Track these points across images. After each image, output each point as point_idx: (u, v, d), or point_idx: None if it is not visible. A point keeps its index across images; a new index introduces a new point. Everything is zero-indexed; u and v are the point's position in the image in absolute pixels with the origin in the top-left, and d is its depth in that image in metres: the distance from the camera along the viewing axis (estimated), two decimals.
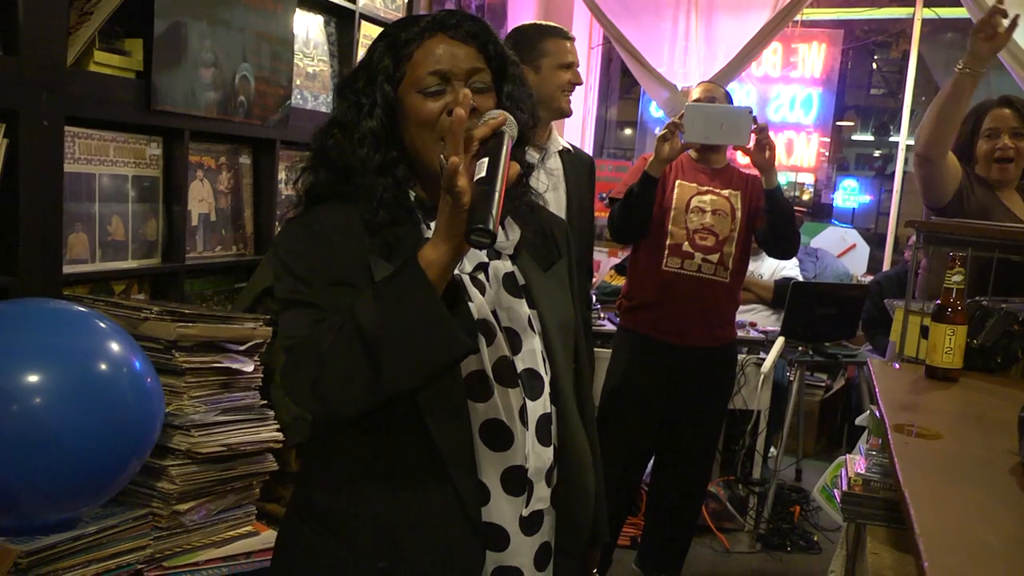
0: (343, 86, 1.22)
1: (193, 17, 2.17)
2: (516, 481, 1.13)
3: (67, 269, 1.80)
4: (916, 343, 2.05)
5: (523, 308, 1.17)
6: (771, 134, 2.63)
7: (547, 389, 1.18)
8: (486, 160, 1.00)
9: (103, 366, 1.40)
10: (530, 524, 1.15)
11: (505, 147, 1.02)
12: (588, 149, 4.94)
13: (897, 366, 1.95)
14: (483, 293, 1.15)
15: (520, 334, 1.16)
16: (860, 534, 1.89)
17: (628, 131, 7.20)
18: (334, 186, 1.17)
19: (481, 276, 1.16)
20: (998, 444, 1.29)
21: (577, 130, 4.84)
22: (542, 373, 1.17)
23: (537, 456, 1.14)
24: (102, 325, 1.47)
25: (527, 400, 1.14)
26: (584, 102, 4.88)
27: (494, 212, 0.96)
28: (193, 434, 1.59)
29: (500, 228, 1.15)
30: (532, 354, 1.16)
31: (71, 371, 1.37)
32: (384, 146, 1.15)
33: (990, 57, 2.27)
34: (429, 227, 1.12)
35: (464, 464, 1.10)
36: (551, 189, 2.38)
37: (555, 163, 2.47)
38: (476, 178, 0.99)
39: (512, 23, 4.28)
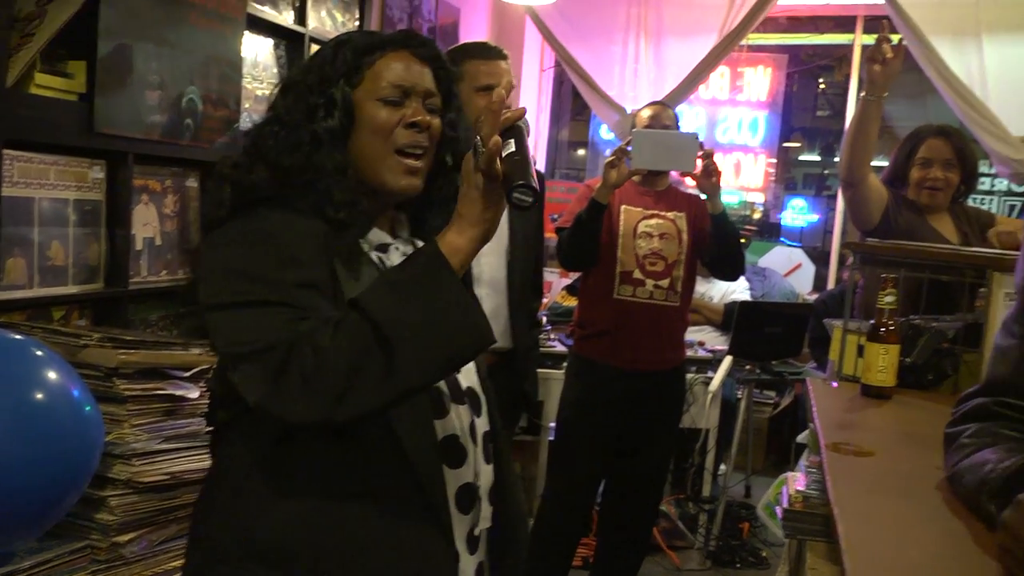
0: (291, 84, 1.18)
1: (139, 39, 2.16)
2: (468, 499, 1.14)
3: (3, 295, 1.77)
4: (854, 362, 2.11)
5: None
6: (719, 157, 2.69)
7: (485, 406, 1.19)
8: (512, 141, 1.04)
9: (39, 395, 1.38)
10: (474, 543, 1.16)
11: (525, 133, 1.07)
12: (541, 170, 4.99)
13: (835, 384, 1.99)
14: None
15: None
16: (801, 550, 1.94)
17: (581, 152, 7.29)
18: (272, 188, 1.11)
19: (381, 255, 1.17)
20: (926, 460, 1.32)
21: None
22: (479, 390, 1.18)
23: (485, 474, 1.15)
24: (38, 353, 1.44)
25: (474, 417, 1.15)
26: (536, 124, 4.92)
27: (531, 172, 1.02)
28: (134, 463, 1.57)
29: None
30: (469, 371, 1.18)
31: (4, 400, 1.34)
32: (342, 148, 1.14)
33: (887, 82, 2.37)
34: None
35: (437, 482, 1.10)
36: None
37: None
38: (505, 154, 1.03)
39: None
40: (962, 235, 2.58)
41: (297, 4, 3.06)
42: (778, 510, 2.03)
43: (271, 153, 1.12)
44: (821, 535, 1.57)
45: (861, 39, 4.67)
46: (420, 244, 1.20)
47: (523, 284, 2.51)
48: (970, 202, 3.08)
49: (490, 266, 2.42)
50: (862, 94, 2.45)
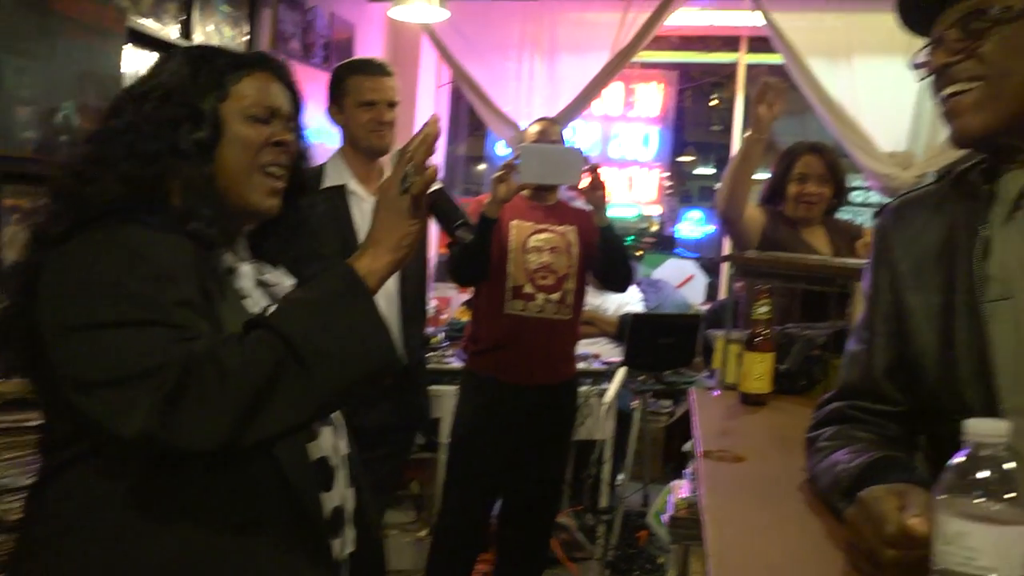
0: (146, 93, 1.12)
1: (8, 52, 2.08)
2: (337, 522, 1.13)
3: None
4: (735, 370, 2.19)
5: None
6: (613, 171, 2.76)
7: (344, 427, 1.19)
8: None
9: None
10: (337, 569, 1.15)
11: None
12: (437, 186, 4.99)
13: (716, 393, 2.07)
14: None
15: None
16: (687, 555, 2.00)
17: (483, 166, 7.33)
18: (121, 200, 1.05)
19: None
20: (794, 463, 1.38)
21: None
22: (337, 411, 1.18)
23: (349, 497, 1.15)
24: None
25: (337, 439, 1.14)
26: None
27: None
28: (3, 499, 1.50)
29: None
30: None
31: None
32: (210, 162, 1.11)
33: (770, 123, 2.55)
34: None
35: (315, 507, 1.08)
36: None
37: None
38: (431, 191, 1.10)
39: None
40: (834, 247, 2.71)
41: (182, 18, 3.00)
42: (664, 518, 2.09)
43: (123, 163, 1.06)
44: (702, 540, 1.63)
45: (745, 58, 4.85)
46: (269, 268, 1.19)
47: (416, 297, 2.51)
48: (846, 215, 3.26)
49: None
50: (747, 133, 2.58)
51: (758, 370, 1.87)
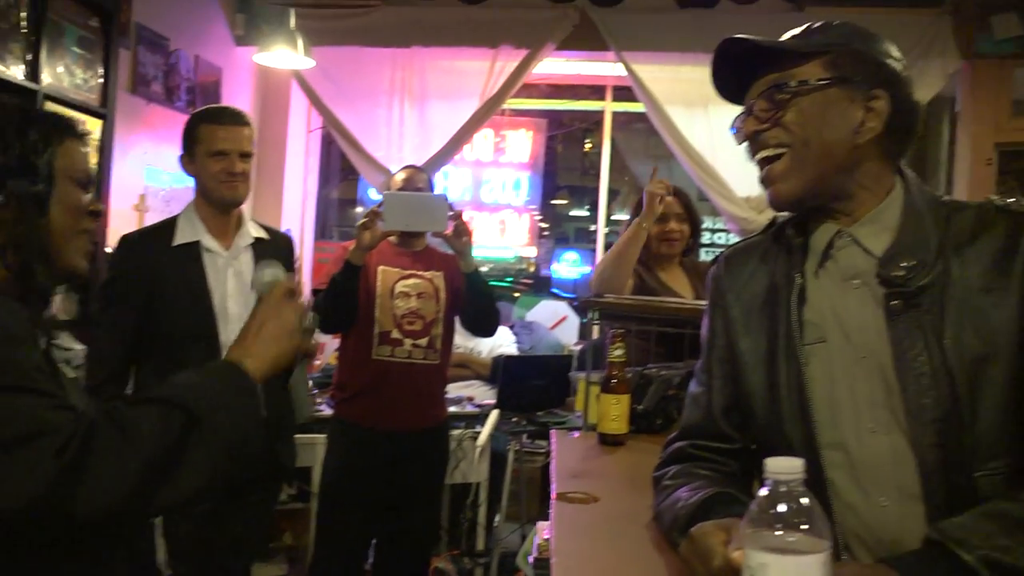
0: None
1: None
2: None
3: None
4: (596, 411, 2.24)
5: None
6: (485, 216, 2.80)
7: None
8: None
9: None
10: None
11: None
12: (309, 232, 4.94)
13: (575, 434, 2.11)
14: None
15: None
16: None
17: (359, 208, 7.28)
18: None
19: None
20: (645, 502, 1.42)
21: (297, 211, 4.82)
22: None
23: None
24: None
25: None
26: (304, 184, 4.88)
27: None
28: None
29: None
30: None
31: None
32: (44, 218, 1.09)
33: (659, 213, 2.73)
34: None
35: None
36: (239, 294, 2.34)
37: (246, 261, 2.41)
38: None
39: (227, 103, 4.22)
40: (693, 288, 2.84)
41: (29, 58, 2.87)
42: (531, 559, 2.11)
43: None
44: None
45: (611, 106, 5.04)
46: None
47: None
48: (711, 255, 3.43)
49: (240, 325, 2.35)
50: (638, 221, 2.72)
51: (615, 411, 1.92)
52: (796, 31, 1.22)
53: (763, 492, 0.77)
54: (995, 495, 1.05)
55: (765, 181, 1.20)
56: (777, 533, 0.74)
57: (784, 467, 0.75)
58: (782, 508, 0.74)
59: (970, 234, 1.15)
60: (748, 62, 1.20)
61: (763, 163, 1.20)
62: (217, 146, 2.32)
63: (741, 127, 1.21)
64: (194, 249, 2.34)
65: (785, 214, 1.27)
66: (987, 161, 4.10)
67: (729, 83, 1.24)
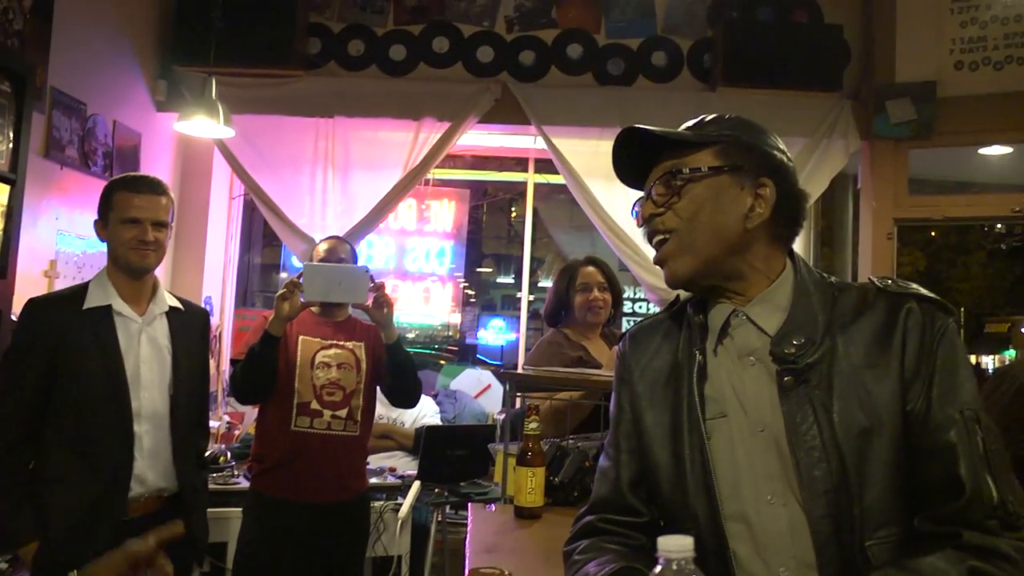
0: None
1: None
2: None
3: None
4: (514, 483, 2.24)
5: None
6: (409, 285, 2.80)
7: None
8: None
9: None
10: None
11: None
12: (230, 298, 4.86)
13: (492, 508, 2.10)
14: None
15: None
16: None
17: (284, 274, 7.19)
18: None
19: None
20: (557, 575, 1.43)
21: (218, 278, 4.75)
22: None
23: None
24: None
25: None
26: (226, 250, 4.82)
27: None
28: None
29: None
30: None
31: None
32: None
33: None
34: None
35: None
36: (152, 360, 2.30)
37: (160, 328, 2.37)
38: None
39: (146, 171, 4.16)
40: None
41: None
42: None
43: None
44: None
45: (533, 178, 5.15)
46: None
47: (188, 421, 2.40)
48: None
49: (152, 401, 2.30)
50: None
51: (531, 484, 1.93)
52: (691, 122, 1.29)
53: (656, 570, 0.79)
54: (885, 563, 1.09)
55: (659, 261, 1.27)
56: None
57: (675, 545, 0.78)
58: None
59: (853, 313, 1.22)
60: (649, 148, 1.27)
61: (657, 245, 1.26)
62: (131, 213, 2.31)
63: (640, 211, 1.28)
64: (106, 313, 2.29)
65: (686, 293, 1.33)
66: (887, 235, 4.32)
67: (631, 169, 1.31)
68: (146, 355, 2.32)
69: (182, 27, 4.30)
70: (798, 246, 4.55)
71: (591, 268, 3.06)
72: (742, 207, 1.22)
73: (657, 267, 3.84)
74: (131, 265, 2.33)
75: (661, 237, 1.25)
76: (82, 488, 2.18)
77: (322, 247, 2.99)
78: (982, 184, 4.93)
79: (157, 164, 4.35)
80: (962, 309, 11.14)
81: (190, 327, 2.46)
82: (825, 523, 1.13)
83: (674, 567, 0.77)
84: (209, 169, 4.62)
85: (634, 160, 1.29)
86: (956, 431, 1.11)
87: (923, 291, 1.22)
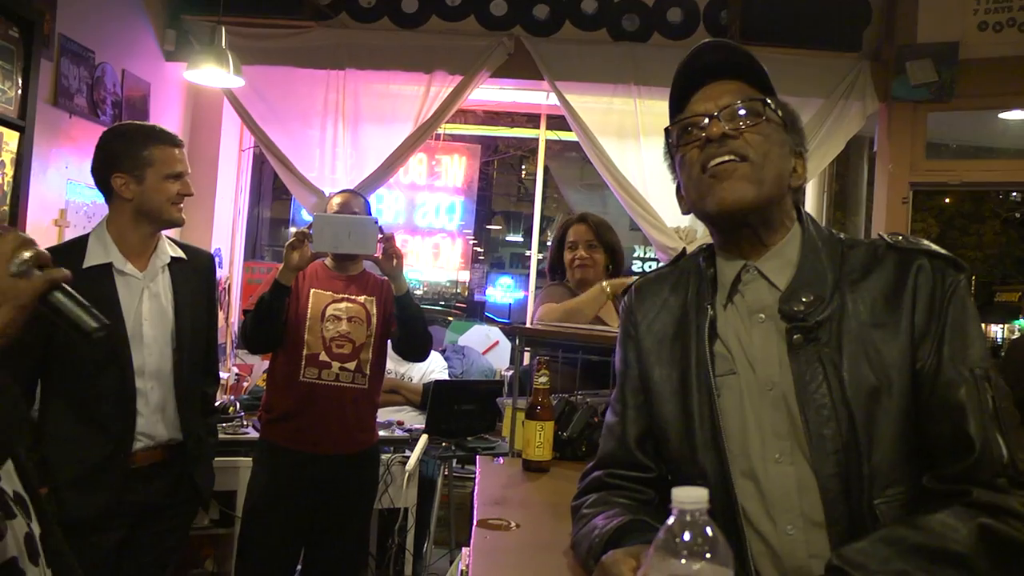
0: None
1: None
2: None
3: None
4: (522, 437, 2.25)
5: None
6: (418, 240, 2.79)
7: (32, 505, 1.10)
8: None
9: None
10: None
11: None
12: (239, 251, 4.85)
13: (500, 461, 2.11)
14: None
15: None
16: None
17: (292, 228, 7.19)
18: None
19: None
20: (565, 529, 1.44)
21: (227, 231, 4.74)
22: (23, 491, 1.10)
23: None
24: None
25: (28, 523, 1.06)
26: (235, 203, 4.81)
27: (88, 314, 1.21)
28: None
29: None
30: (9, 472, 1.09)
31: None
32: None
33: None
34: None
35: None
36: (154, 317, 2.28)
37: (162, 283, 2.35)
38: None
39: (155, 121, 4.13)
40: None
41: None
42: None
43: None
44: None
45: (545, 134, 5.10)
46: None
47: (192, 374, 2.39)
48: None
49: (154, 358, 2.29)
50: (605, 285, 2.71)
51: (539, 438, 1.93)
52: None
53: (669, 521, 0.78)
54: (894, 521, 1.09)
55: (719, 177, 1.18)
56: (682, 562, 0.75)
57: (689, 497, 0.77)
58: (687, 537, 0.76)
59: (863, 269, 1.20)
60: (710, 70, 1.23)
61: (720, 165, 1.18)
62: (176, 168, 2.29)
63: (704, 126, 1.20)
64: (106, 272, 2.25)
65: (694, 246, 1.31)
66: (903, 200, 4.28)
67: (685, 82, 1.25)
68: (147, 312, 2.29)
69: None
70: (811, 208, 4.52)
71: (580, 226, 3.06)
72: (789, 165, 1.23)
73: (668, 226, 3.80)
74: (173, 220, 2.33)
75: (731, 159, 1.18)
76: (89, 446, 2.18)
77: (335, 200, 2.97)
78: (1001, 149, 4.86)
79: (166, 114, 4.31)
80: (973, 277, 11.11)
81: (194, 275, 2.44)
82: (834, 482, 1.12)
83: (688, 518, 0.76)
84: (219, 121, 4.59)
85: (691, 77, 1.24)
86: (966, 389, 1.10)
87: (934, 247, 1.20)
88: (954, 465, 1.09)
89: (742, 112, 1.19)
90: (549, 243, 3.31)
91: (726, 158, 1.17)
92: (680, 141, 1.24)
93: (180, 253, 2.43)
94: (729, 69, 1.22)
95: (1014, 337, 7.69)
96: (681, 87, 1.25)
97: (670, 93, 1.27)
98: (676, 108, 1.26)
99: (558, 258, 3.07)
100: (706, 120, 1.20)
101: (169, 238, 2.45)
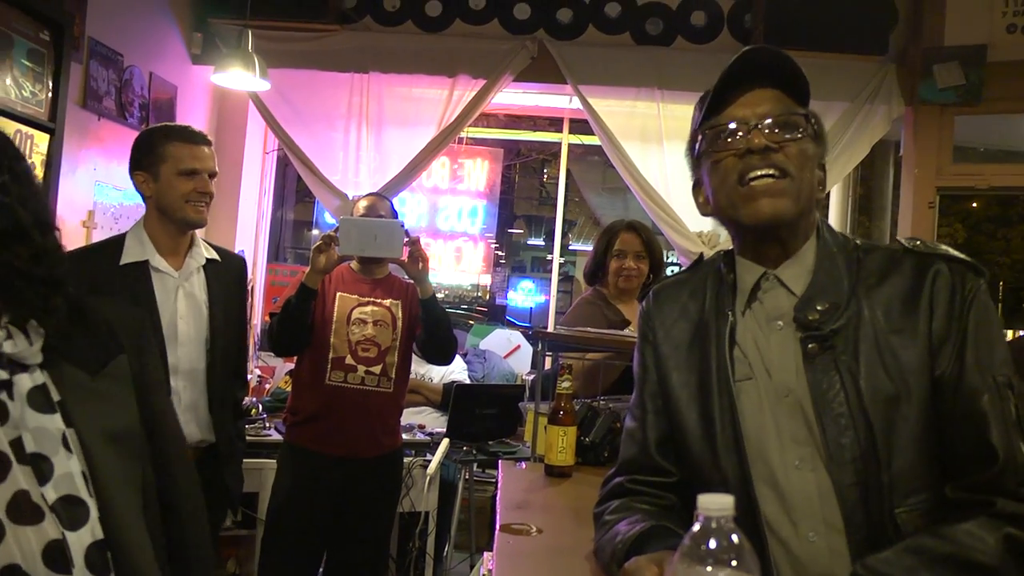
0: None
1: None
2: None
3: None
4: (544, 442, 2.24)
5: (54, 424, 1.07)
6: (441, 244, 2.79)
7: (94, 514, 1.08)
8: None
9: None
10: None
11: None
12: (262, 254, 4.89)
13: (522, 465, 2.11)
14: (4, 420, 1.04)
15: (51, 457, 1.06)
16: None
17: (315, 231, 7.23)
18: None
19: (3, 396, 1.05)
20: (588, 535, 1.43)
21: (251, 233, 4.78)
22: (85, 497, 1.08)
23: None
24: None
25: (66, 532, 1.04)
26: (259, 205, 4.85)
27: None
28: None
29: (11, 339, 1.07)
30: (68, 479, 1.07)
31: None
32: None
33: None
34: None
35: None
36: (189, 316, 2.30)
37: (197, 282, 2.37)
38: None
39: (182, 122, 4.17)
40: None
41: None
42: None
43: None
44: None
45: (568, 138, 5.10)
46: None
47: (224, 374, 2.42)
48: None
49: (188, 357, 2.31)
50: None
51: (562, 443, 1.93)
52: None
53: (695, 528, 0.78)
54: (916, 529, 1.08)
55: (760, 192, 1.16)
56: (708, 568, 0.75)
57: (715, 504, 0.77)
58: (712, 544, 0.76)
59: (879, 275, 1.19)
60: (747, 76, 1.21)
61: (761, 178, 1.17)
62: (191, 164, 2.29)
63: (744, 136, 1.18)
64: (143, 269, 2.28)
65: (714, 251, 1.30)
66: (929, 204, 4.23)
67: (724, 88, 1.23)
68: (183, 311, 2.32)
69: None
70: (835, 213, 4.46)
71: (630, 235, 3.01)
72: (817, 177, 1.22)
73: (691, 231, 3.79)
74: (188, 219, 2.31)
75: (772, 172, 1.16)
76: None
77: (362, 204, 2.98)
78: None
79: (193, 117, 4.36)
80: (1001, 283, 10.94)
81: (227, 278, 2.46)
82: (853, 490, 1.11)
83: (713, 525, 0.76)
84: (244, 124, 4.63)
85: (732, 81, 1.21)
86: (989, 397, 1.08)
87: (952, 251, 1.18)
88: (977, 474, 1.07)
89: (786, 126, 1.18)
90: (571, 247, 3.29)
91: (768, 171, 1.16)
92: (715, 146, 1.21)
93: (215, 255, 2.45)
94: (769, 75, 1.20)
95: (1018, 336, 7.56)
96: (719, 88, 1.23)
97: (710, 92, 1.24)
98: (711, 109, 1.23)
99: (601, 264, 3.02)
100: (746, 129, 1.18)
101: (205, 241, 2.48)
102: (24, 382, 1.07)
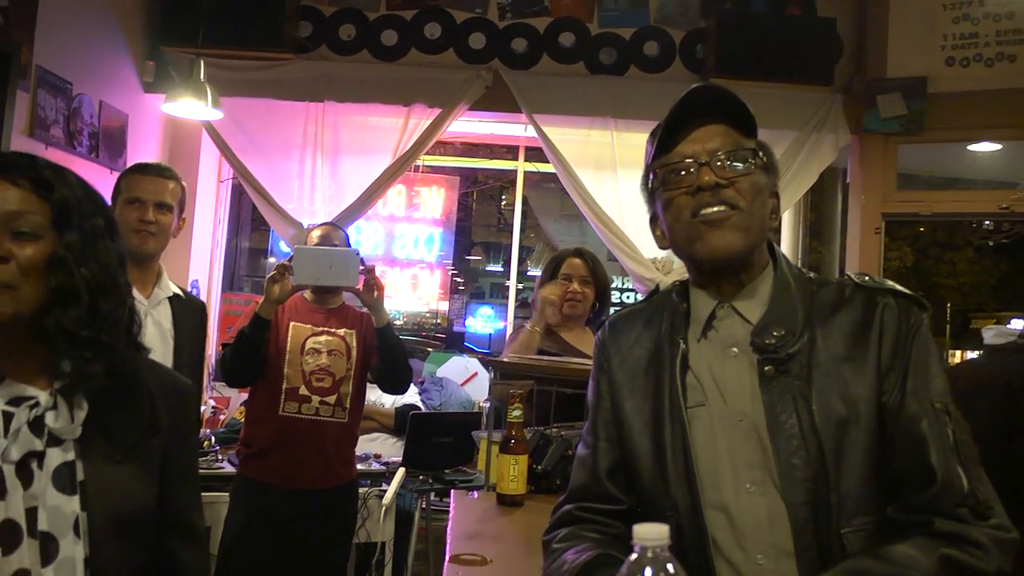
0: None
1: None
2: None
3: None
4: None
5: (71, 507, 1.06)
6: (397, 272, 2.79)
7: (79, 537, 1.07)
8: None
9: None
10: None
11: None
12: (217, 283, 4.83)
13: (475, 495, 2.10)
14: (27, 487, 1.03)
15: (59, 539, 1.05)
16: None
17: (272, 259, 7.16)
18: None
19: (33, 465, 1.05)
20: (537, 564, 1.43)
21: (205, 262, 4.72)
22: (50, 528, 1.06)
23: None
24: None
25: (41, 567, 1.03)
26: (213, 234, 4.80)
27: None
28: None
29: (56, 409, 1.07)
30: (70, 564, 1.05)
31: None
32: None
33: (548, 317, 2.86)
34: None
35: None
36: (157, 343, 2.28)
37: (164, 312, 2.35)
38: None
39: (132, 153, 4.14)
40: None
41: None
42: None
43: None
44: None
45: (524, 166, 5.14)
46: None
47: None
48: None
49: None
50: (529, 324, 2.83)
51: (513, 472, 1.93)
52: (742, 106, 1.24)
53: (631, 557, 0.79)
54: (859, 551, 1.11)
55: (711, 225, 1.19)
56: None
57: (651, 533, 0.78)
58: (648, 574, 0.77)
59: (832, 307, 1.24)
60: (697, 112, 1.23)
61: (713, 215, 1.19)
62: (134, 193, 2.30)
63: (694, 173, 1.20)
64: None
65: (669, 282, 1.32)
66: (875, 230, 4.33)
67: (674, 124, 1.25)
68: (151, 337, 2.29)
69: (170, 7, 4.26)
70: (787, 238, 4.55)
71: (576, 260, 3.04)
72: (769, 207, 1.26)
73: (645, 257, 3.84)
74: (131, 249, 2.29)
75: (723, 209, 1.19)
76: None
77: (315, 233, 2.97)
78: (970, 180, 4.95)
79: (144, 146, 4.31)
80: (948, 305, 11.19)
81: (191, 317, 2.45)
82: (803, 510, 1.14)
83: (649, 555, 0.77)
84: (197, 152, 4.59)
85: (681, 118, 1.23)
86: (927, 422, 1.13)
87: (898, 287, 1.24)
88: (917, 496, 1.11)
89: (734, 162, 1.21)
90: (529, 272, 3.30)
91: (719, 208, 1.19)
92: (667, 184, 1.24)
93: (180, 292, 2.46)
94: (716, 110, 1.23)
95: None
96: (667, 126, 1.25)
97: (659, 131, 1.26)
98: (661, 147, 1.26)
99: None
100: (695, 165, 1.21)
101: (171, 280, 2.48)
102: (55, 457, 1.07)
